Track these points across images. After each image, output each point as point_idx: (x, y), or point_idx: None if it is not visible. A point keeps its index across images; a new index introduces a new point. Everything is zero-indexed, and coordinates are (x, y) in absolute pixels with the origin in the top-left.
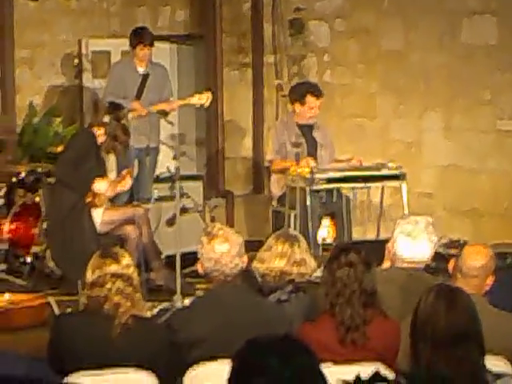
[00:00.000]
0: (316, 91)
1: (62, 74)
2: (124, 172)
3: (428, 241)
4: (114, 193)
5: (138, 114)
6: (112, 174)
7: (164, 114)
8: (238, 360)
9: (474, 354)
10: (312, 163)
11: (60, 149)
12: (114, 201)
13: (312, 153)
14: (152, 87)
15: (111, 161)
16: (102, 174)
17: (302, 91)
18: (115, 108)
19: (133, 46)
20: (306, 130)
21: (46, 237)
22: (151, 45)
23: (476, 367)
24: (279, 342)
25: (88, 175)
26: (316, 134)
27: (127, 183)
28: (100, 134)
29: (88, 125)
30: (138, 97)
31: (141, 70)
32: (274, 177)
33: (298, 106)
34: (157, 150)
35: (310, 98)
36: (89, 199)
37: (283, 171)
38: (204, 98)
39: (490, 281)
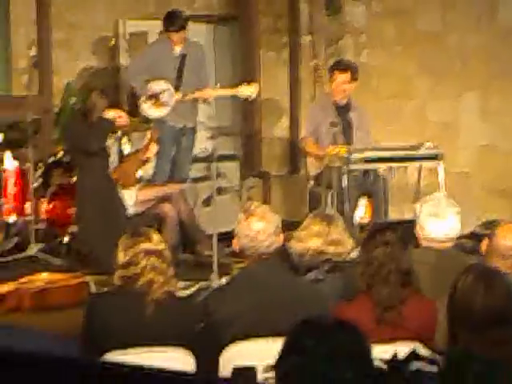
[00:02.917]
0: (342, 66)
1: (98, 55)
2: (146, 140)
3: (455, 215)
4: (143, 164)
5: (183, 99)
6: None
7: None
8: (284, 341)
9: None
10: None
11: None
12: (151, 181)
13: (346, 134)
14: (190, 68)
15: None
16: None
17: (331, 68)
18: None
19: (165, 30)
20: (342, 110)
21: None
22: (182, 29)
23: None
24: (316, 321)
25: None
26: (352, 115)
27: (152, 149)
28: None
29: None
30: (179, 79)
31: (178, 50)
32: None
33: (330, 85)
34: (194, 131)
35: (336, 74)
36: (116, 177)
37: (313, 155)
38: (252, 90)
39: None
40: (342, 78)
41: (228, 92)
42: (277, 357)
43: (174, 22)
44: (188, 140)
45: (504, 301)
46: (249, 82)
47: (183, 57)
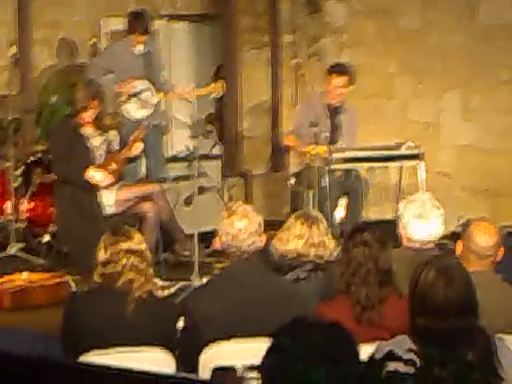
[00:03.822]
0: (340, 69)
1: (79, 53)
2: (133, 137)
3: (439, 216)
4: (105, 183)
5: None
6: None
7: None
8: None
9: (474, 327)
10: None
11: None
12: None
13: (332, 136)
14: (154, 63)
15: (115, 136)
16: (90, 160)
17: (329, 70)
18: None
19: (129, 32)
20: (333, 112)
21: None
22: (147, 33)
23: (479, 340)
24: (294, 321)
25: (81, 164)
26: (341, 118)
27: (138, 147)
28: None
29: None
30: (152, 76)
31: (141, 48)
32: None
33: (326, 86)
34: (161, 127)
35: (334, 77)
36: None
37: (294, 150)
38: (218, 88)
39: (501, 252)
40: (338, 81)
41: (197, 93)
42: (262, 357)
43: (139, 25)
44: (159, 137)
45: (463, 294)
46: (215, 81)
47: (149, 54)
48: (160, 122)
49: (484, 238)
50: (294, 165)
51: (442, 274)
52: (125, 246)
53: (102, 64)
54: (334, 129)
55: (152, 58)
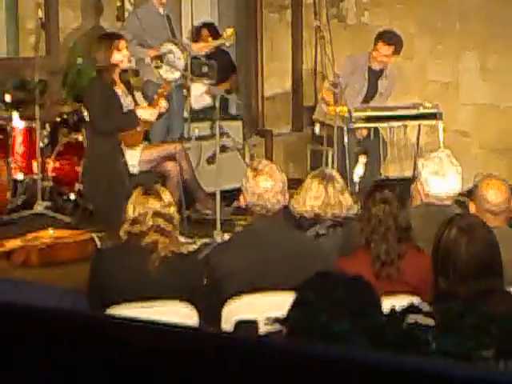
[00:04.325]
0: (388, 38)
1: (105, 15)
2: (157, 94)
3: (456, 173)
4: (154, 118)
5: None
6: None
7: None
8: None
9: (497, 284)
10: (344, 113)
11: None
12: (149, 140)
13: (367, 98)
14: (174, 26)
15: (138, 96)
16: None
17: (377, 37)
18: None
19: None
20: (374, 76)
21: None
22: None
23: (500, 296)
24: (317, 276)
25: (120, 116)
26: (381, 83)
27: (163, 105)
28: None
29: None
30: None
31: (162, 11)
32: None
33: (373, 51)
34: (181, 87)
35: (380, 44)
36: (123, 139)
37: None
38: (230, 36)
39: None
40: (384, 50)
41: (217, 42)
42: (286, 311)
43: None
44: (181, 95)
45: (486, 252)
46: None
47: (168, 17)
48: (183, 82)
49: (495, 195)
50: (320, 110)
51: (464, 231)
52: (153, 207)
53: (128, 30)
54: (370, 93)
55: (171, 20)
